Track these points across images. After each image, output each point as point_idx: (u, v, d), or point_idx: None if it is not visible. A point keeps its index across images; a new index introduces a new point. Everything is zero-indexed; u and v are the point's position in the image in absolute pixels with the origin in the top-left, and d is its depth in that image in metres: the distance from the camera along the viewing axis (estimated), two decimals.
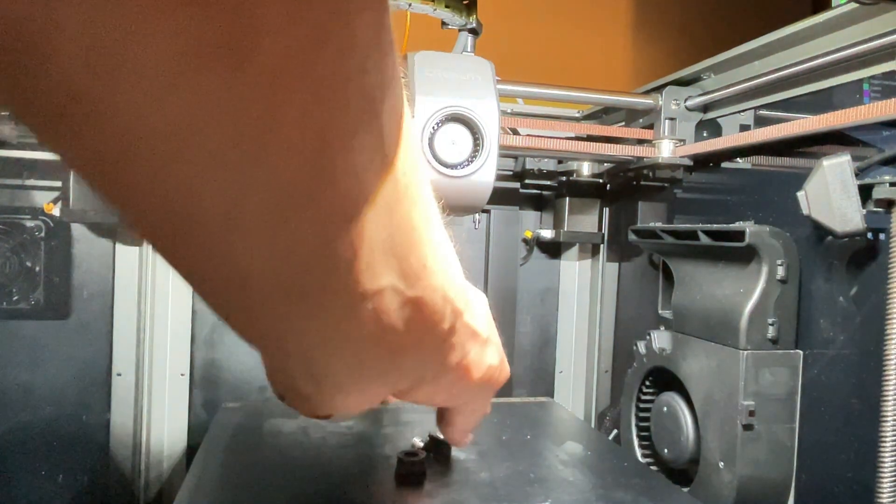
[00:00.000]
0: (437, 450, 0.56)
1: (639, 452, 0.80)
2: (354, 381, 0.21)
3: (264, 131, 0.13)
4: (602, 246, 1.01)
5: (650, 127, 0.82)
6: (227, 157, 0.14)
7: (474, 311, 0.25)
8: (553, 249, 1.03)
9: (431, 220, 0.20)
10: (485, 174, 0.59)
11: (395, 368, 0.22)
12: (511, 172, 0.97)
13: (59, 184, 0.81)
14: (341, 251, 0.16)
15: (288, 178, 0.14)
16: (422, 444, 0.56)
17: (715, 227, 0.66)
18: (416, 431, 0.61)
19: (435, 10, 0.61)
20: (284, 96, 0.13)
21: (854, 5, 0.55)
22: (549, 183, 0.99)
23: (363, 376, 0.21)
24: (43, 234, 0.80)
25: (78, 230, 0.84)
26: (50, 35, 0.11)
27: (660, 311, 0.84)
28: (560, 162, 0.95)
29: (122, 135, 0.13)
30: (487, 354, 0.27)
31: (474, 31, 0.65)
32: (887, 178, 0.51)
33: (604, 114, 0.98)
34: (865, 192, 0.52)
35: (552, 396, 1.02)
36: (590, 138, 0.84)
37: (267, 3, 0.12)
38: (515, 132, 0.80)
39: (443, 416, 0.32)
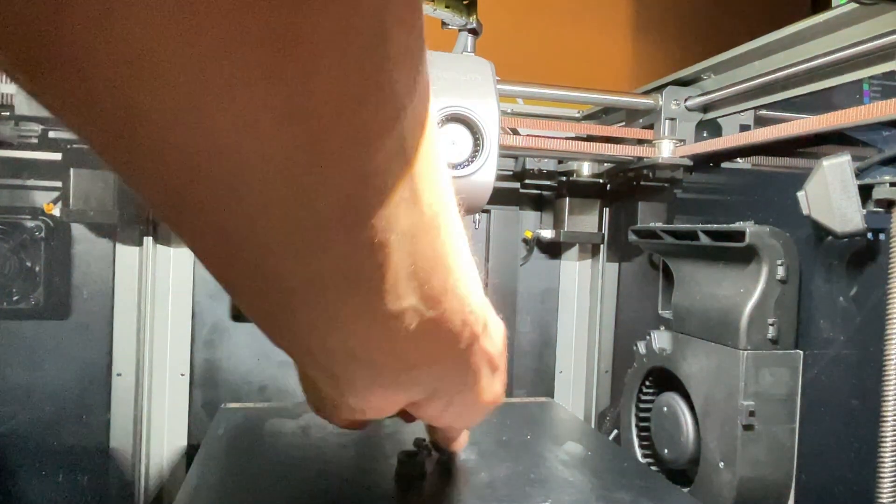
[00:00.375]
0: (438, 449, 0.55)
1: (639, 452, 0.80)
2: (374, 390, 0.23)
3: (285, 152, 0.14)
4: (602, 246, 1.01)
5: (650, 127, 0.81)
6: (255, 170, 0.14)
7: (491, 337, 0.26)
8: (553, 249, 1.03)
9: (457, 246, 0.21)
10: (485, 174, 0.59)
11: (412, 379, 0.23)
12: (511, 172, 0.97)
13: (59, 184, 0.81)
14: (369, 275, 0.17)
15: (309, 193, 0.15)
16: (423, 444, 0.56)
17: (715, 227, 0.66)
18: (417, 431, 0.61)
19: (435, 10, 0.61)
20: (310, 109, 0.13)
21: (854, 5, 0.55)
22: (549, 183, 0.98)
23: (382, 385, 0.23)
24: (43, 234, 0.80)
25: (78, 230, 0.84)
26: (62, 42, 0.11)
27: (660, 311, 0.84)
28: (560, 162, 0.95)
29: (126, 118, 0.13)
30: (497, 381, 0.28)
31: (474, 31, 0.64)
32: (887, 178, 0.51)
33: (604, 114, 0.98)
34: (865, 192, 0.52)
35: (552, 396, 1.02)
36: (590, 138, 0.84)
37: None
38: (515, 132, 0.80)
39: (440, 431, 0.34)
